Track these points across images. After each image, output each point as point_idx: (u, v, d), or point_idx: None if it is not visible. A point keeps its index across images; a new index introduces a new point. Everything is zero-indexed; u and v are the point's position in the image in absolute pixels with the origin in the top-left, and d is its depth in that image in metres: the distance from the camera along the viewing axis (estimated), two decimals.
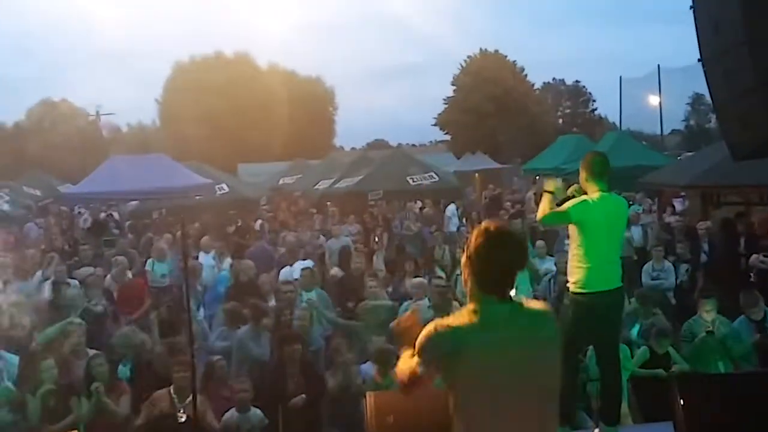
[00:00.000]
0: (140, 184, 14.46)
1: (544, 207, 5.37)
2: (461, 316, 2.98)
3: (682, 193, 16.24)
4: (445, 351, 2.90)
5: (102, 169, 15.87)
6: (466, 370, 2.88)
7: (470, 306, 3.00)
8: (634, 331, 8.02)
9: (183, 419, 6.20)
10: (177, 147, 36.50)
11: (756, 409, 4.55)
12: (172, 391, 6.64)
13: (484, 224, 3.05)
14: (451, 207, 18.47)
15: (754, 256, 10.37)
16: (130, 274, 10.98)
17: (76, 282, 10.22)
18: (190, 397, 6.16)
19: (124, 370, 7.43)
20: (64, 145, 42.47)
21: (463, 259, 3.08)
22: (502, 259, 2.96)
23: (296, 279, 9.81)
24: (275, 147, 42.50)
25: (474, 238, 3.02)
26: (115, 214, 20.43)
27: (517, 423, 2.89)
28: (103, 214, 20.71)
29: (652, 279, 10.79)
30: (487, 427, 2.91)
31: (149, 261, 11.53)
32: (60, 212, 20.92)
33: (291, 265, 10.99)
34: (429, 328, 2.97)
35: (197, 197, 16.82)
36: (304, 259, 11.25)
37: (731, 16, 4.71)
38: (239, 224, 16.85)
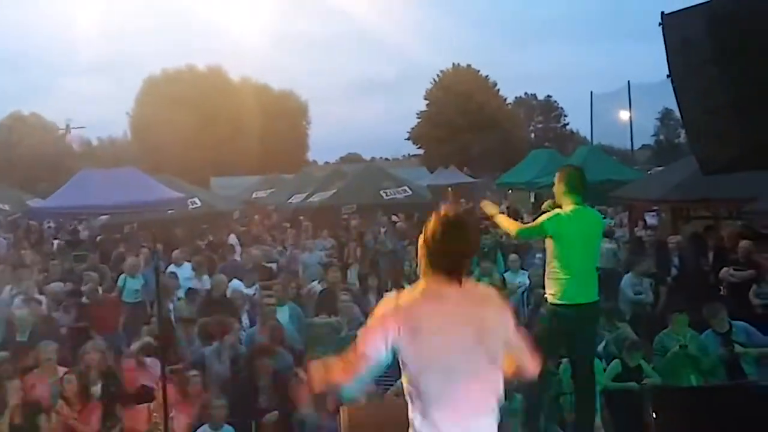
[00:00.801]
0: (111, 198, 14.27)
1: (505, 224, 5.44)
2: (410, 292, 3.23)
3: (655, 208, 16.40)
4: (394, 319, 3.14)
5: (72, 183, 15.65)
6: (411, 342, 3.12)
7: (420, 284, 3.24)
8: (602, 344, 8.05)
9: None
10: (148, 160, 36.25)
11: (727, 422, 4.60)
12: (151, 407, 6.53)
13: (442, 211, 3.27)
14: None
15: (724, 269, 10.48)
16: (100, 290, 10.85)
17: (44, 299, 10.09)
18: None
19: (95, 389, 7.31)
20: (33, 159, 41.92)
21: (420, 241, 3.28)
22: (454, 243, 3.17)
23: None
24: (248, 161, 42.34)
25: (432, 222, 3.24)
26: (82, 230, 20.22)
27: (462, 394, 3.12)
28: (72, 228, 20.54)
29: (635, 293, 10.81)
30: (434, 398, 3.13)
31: (121, 277, 11.38)
32: (29, 227, 20.65)
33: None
34: (382, 301, 3.26)
35: (169, 211, 16.66)
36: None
37: (699, 33, 4.79)
38: (211, 239, 16.75)
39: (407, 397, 3.25)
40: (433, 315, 3.15)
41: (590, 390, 5.36)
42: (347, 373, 3.30)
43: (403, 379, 3.25)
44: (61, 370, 7.35)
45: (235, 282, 10.60)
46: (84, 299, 10.43)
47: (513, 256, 11.39)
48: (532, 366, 3.40)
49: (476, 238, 3.46)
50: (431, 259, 3.22)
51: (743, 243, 10.69)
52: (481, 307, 3.20)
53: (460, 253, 3.20)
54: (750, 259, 10.33)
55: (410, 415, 3.23)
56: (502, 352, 3.23)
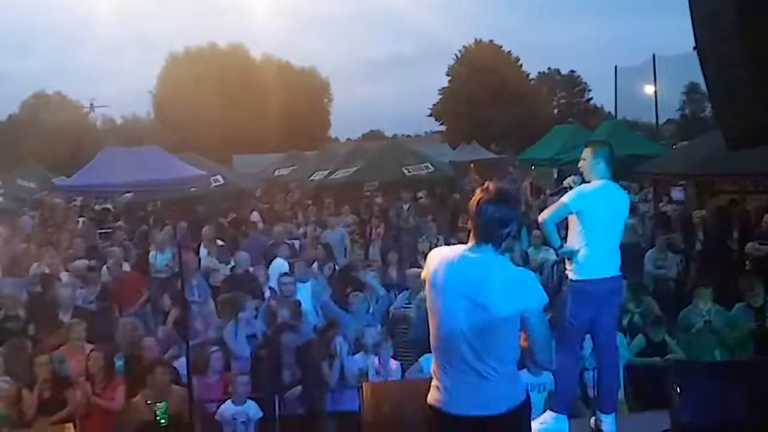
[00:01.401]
0: (134, 176, 14.37)
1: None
2: (449, 249, 3.67)
3: (681, 182, 16.25)
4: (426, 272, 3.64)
5: (96, 161, 15.76)
6: (429, 291, 3.60)
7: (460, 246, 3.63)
8: (626, 319, 8.02)
9: (164, 423, 6.12)
10: (171, 139, 36.42)
11: (751, 396, 4.56)
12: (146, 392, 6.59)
13: (487, 183, 3.57)
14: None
15: (750, 243, 10.39)
16: (127, 266, 10.95)
17: (68, 278, 10.19)
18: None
19: (119, 364, 7.39)
20: (58, 137, 42.26)
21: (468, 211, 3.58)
22: (483, 213, 3.46)
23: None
24: (270, 138, 42.35)
25: (477, 192, 3.53)
26: (110, 206, 20.40)
27: (461, 351, 3.44)
28: (98, 206, 20.70)
29: (657, 268, 10.76)
30: (438, 350, 3.57)
31: (151, 253, 11.50)
32: (54, 204, 20.84)
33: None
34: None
35: (192, 189, 16.76)
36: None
37: (727, 4, 4.70)
38: (234, 216, 16.83)
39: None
40: (446, 272, 3.50)
41: (613, 365, 5.33)
42: None
43: None
44: (88, 347, 7.44)
45: (279, 261, 10.63)
46: (104, 276, 10.53)
47: (536, 232, 11.33)
48: (541, 357, 3.59)
49: (514, 207, 3.61)
50: (470, 226, 3.55)
51: (767, 217, 10.59)
52: (491, 280, 3.40)
53: (491, 221, 3.44)
54: None
55: None
56: (514, 320, 3.43)
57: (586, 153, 5.27)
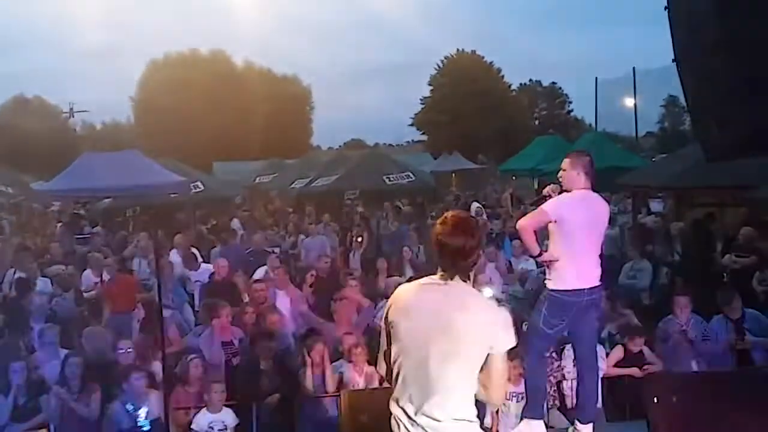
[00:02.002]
0: (113, 181, 14.24)
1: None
2: (414, 283, 3.55)
3: (660, 194, 16.37)
4: (386, 312, 3.50)
5: (75, 166, 15.62)
6: (393, 327, 3.42)
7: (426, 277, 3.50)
8: (604, 330, 8.04)
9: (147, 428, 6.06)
10: (151, 144, 36.20)
11: (729, 407, 4.58)
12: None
13: (446, 213, 3.51)
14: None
15: (727, 256, 10.46)
16: (106, 272, 10.84)
17: (46, 281, 10.10)
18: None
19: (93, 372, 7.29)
20: (36, 142, 41.93)
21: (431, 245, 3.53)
22: (448, 243, 3.36)
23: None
24: (251, 145, 42.31)
25: (437, 226, 3.45)
26: (82, 212, 20.23)
27: (423, 391, 3.30)
28: (75, 211, 20.53)
29: (629, 279, 10.85)
30: (400, 388, 3.39)
31: (135, 259, 11.43)
32: (32, 209, 20.68)
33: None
34: None
35: (172, 195, 16.66)
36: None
37: (706, 16, 4.74)
38: (215, 222, 16.76)
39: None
40: (413, 308, 3.38)
41: (592, 375, 5.34)
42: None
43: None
44: (63, 352, 7.36)
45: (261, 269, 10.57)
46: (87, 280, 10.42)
47: (516, 242, 11.34)
48: (494, 396, 3.48)
49: (472, 240, 3.40)
50: (435, 255, 3.44)
51: (745, 230, 10.67)
52: (462, 312, 3.31)
53: (453, 253, 3.36)
54: (752, 245, 10.31)
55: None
56: (478, 359, 3.34)
57: (566, 163, 5.25)
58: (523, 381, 6.15)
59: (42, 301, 8.93)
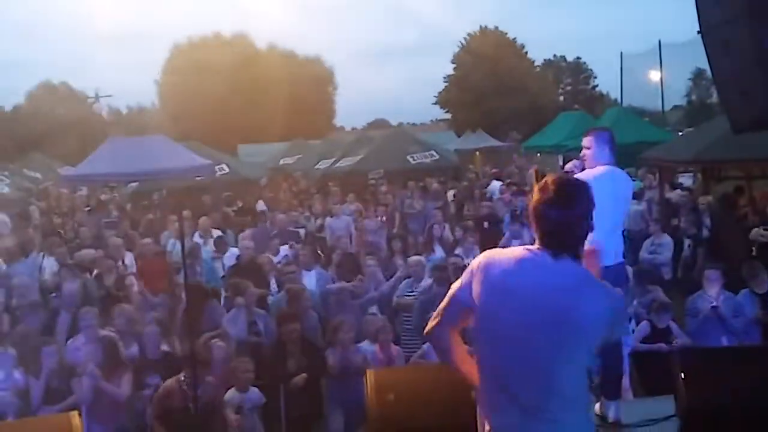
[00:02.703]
0: (139, 166, 14.37)
1: None
2: (509, 252, 2.97)
3: (691, 169, 16.20)
4: (472, 272, 2.95)
5: (101, 151, 15.77)
6: (477, 302, 2.90)
7: (524, 248, 2.96)
8: (631, 306, 8.00)
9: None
10: (177, 128, 36.44)
11: (757, 383, 4.54)
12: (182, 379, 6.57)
13: (547, 178, 2.94)
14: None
15: (755, 230, 10.36)
16: (129, 256, 10.93)
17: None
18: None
19: (127, 353, 7.39)
20: (63, 128, 42.37)
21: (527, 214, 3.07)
22: (552, 217, 2.85)
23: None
24: (275, 127, 42.33)
25: (535, 192, 2.93)
26: (116, 196, 20.44)
27: (519, 364, 2.82)
28: (104, 196, 20.75)
29: (650, 254, 10.80)
30: (489, 362, 2.93)
31: (170, 241, 11.59)
32: (60, 194, 20.91)
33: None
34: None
35: (197, 178, 16.78)
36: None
37: None
38: (240, 205, 16.84)
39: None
40: (506, 286, 2.85)
41: (616, 352, 5.31)
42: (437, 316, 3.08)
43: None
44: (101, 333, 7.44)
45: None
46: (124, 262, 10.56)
47: None
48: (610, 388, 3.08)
49: (576, 207, 2.87)
50: (537, 229, 2.92)
51: None
52: (567, 298, 2.78)
53: (557, 228, 2.85)
54: None
55: None
56: (584, 354, 2.84)
57: (588, 141, 5.21)
58: None
59: (73, 286, 8.99)
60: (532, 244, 2.98)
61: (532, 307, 2.77)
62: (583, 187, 2.98)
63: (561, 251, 2.83)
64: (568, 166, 5.42)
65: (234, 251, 10.97)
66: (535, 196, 2.89)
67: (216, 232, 11.93)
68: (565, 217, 2.83)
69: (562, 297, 2.77)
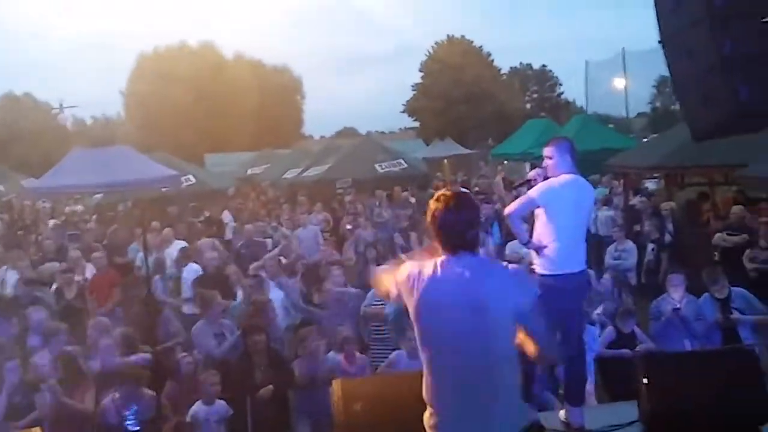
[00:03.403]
0: (104, 177, 14.19)
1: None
2: (428, 262, 3.40)
3: (656, 174, 16.41)
4: (405, 282, 3.40)
5: (65, 162, 15.52)
6: (417, 310, 3.33)
7: (436, 257, 3.40)
8: (598, 310, 8.08)
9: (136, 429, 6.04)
10: (142, 138, 36.14)
11: (718, 386, 4.60)
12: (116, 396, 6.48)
13: (440, 191, 3.47)
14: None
15: (718, 234, 10.50)
16: (90, 268, 10.78)
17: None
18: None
19: (88, 366, 7.28)
20: (27, 139, 41.84)
21: (428, 220, 3.46)
22: (452, 220, 3.33)
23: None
24: (243, 137, 42.21)
25: (431, 204, 3.41)
26: (80, 208, 20.19)
27: (460, 362, 3.27)
28: (68, 208, 20.48)
29: (614, 259, 10.93)
30: (436, 364, 3.34)
31: (138, 255, 11.47)
32: (23, 207, 20.62)
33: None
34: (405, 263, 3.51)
35: (163, 189, 16.62)
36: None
37: None
38: (208, 215, 16.72)
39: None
40: (438, 286, 3.30)
41: (582, 358, 5.35)
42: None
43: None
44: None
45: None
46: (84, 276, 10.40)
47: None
48: (548, 352, 3.56)
49: (476, 209, 3.48)
50: (438, 235, 3.38)
51: (735, 208, 10.73)
52: (485, 279, 3.30)
53: (461, 227, 3.34)
54: (743, 223, 10.36)
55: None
56: (512, 324, 3.29)
57: (550, 150, 5.29)
58: None
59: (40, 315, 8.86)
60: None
61: (458, 310, 3.24)
62: (468, 196, 3.58)
63: (460, 250, 3.33)
64: (530, 175, 5.47)
65: (194, 265, 10.80)
66: (433, 205, 3.39)
67: (180, 243, 11.77)
68: (456, 221, 3.33)
69: (472, 288, 3.26)
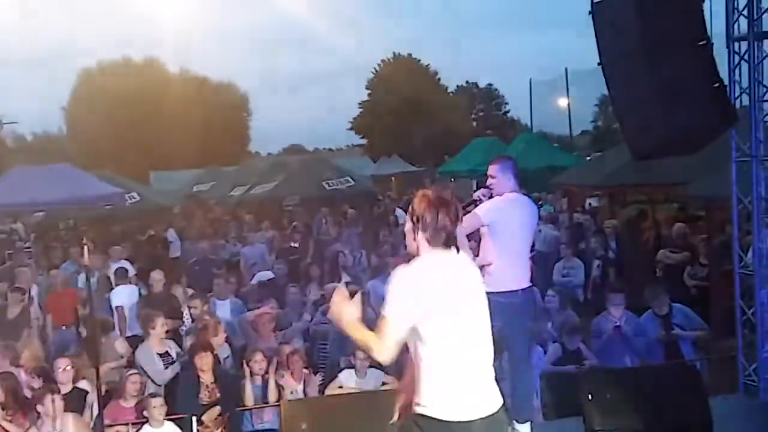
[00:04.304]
0: (46, 195, 13.98)
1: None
2: (422, 265, 3.49)
3: (597, 193, 16.72)
4: (409, 289, 3.38)
5: (6, 180, 15.27)
6: (422, 306, 3.37)
7: (427, 257, 3.51)
8: (547, 327, 8.18)
9: None
10: (85, 156, 35.50)
11: (661, 400, 4.71)
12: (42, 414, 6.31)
13: (422, 191, 3.60)
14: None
15: (661, 251, 10.74)
16: (35, 288, 10.58)
17: None
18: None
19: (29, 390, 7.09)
20: None
21: (409, 225, 3.59)
22: (441, 218, 3.47)
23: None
24: (188, 154, 41.68)
25: (422, 204, 3.52)
26: (19, 226, 19.72)
27: (460, 347, 3.42)
28: (5, 227, 20.00)
29: (563, 276, 11.07)
30: (443, 351, 3.42)
31: (81, 275, 11.23)
32: None
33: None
34: (395, 274, 3.47)
35: (107, 206, 16.37)
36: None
37: (628, 21, 4.88)
38: (152, 233, 16.49)
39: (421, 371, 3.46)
40: (447, 284, 3.43)
41: (528, 375, 5.42)
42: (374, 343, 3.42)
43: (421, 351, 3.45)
44: None
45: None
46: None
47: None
48: None
49: (458, 208, 3.63)
50: (425, 235, 3.50)
51: (677, 226, 11.00)
52: (468, 273, 3.60)
53: (452, 227, 3.50)
54: (685, 241, 10.62)
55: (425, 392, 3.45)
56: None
57: (494, 169, 5.42)
58: None
59: None
60: None
61: (462, 297, 3.46)
62: (450, 193, 3.68)
63: (450, 245, 3.52)
64: (475, 195, 5.53)
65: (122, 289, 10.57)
66: (419, 206, 3.50)
67: (123, 263, 11.56)
68: (444, 217, 3.48)
69: (471, 274, 3.61)
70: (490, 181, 5.47)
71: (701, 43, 4.80)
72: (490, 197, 5.40)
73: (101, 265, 11.36)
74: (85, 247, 6.72)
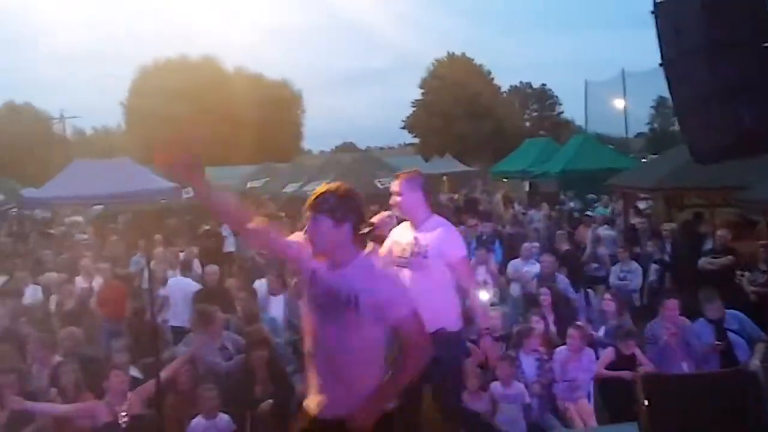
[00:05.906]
0: (104, 188, 14.29)
1: None
2: None
3: (650, 195, 16.48)
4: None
5: (65, 173, 15.66)
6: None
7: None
8: (601, 331, 8.10)
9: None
10: (143, 150, 36.11)
11: (718, 408, 4.62)
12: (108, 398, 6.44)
13: (339, 185, 3.69)
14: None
15: (703, 258, 10.53)
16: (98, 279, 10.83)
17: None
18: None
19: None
20: (27, 149, 41.85)
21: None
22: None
23: None
24: (242, 150, 42.19)
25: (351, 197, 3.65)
26: (79, 219, 20.20)
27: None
28: (67, 219, 20.51)
29: (620, 279, 10.91)
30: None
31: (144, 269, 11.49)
32: (21, 217, 20.64)
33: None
34: None
35: (163, 201, 16.67)
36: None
37: (692, 21, 4.80)
38: (207, 228, 16.72)
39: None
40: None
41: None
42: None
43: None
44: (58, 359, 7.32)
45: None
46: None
47: (525, 245, 11.19)
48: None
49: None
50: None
51: (720, 231, 10.81)
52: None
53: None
54: (726, 246, 10.43)
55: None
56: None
57: (401, 186, 4.96)
58: (513, 383, 6.16)
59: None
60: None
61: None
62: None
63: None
64: (376, 219, 4.43)
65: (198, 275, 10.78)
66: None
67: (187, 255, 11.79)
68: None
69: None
70: (393, 198, 4.91)
71: (766, 44, 4.70)
72: (399, 220, 4.92)
73: (172, 258, 11.54)
74: (155, 239, 6.83)
